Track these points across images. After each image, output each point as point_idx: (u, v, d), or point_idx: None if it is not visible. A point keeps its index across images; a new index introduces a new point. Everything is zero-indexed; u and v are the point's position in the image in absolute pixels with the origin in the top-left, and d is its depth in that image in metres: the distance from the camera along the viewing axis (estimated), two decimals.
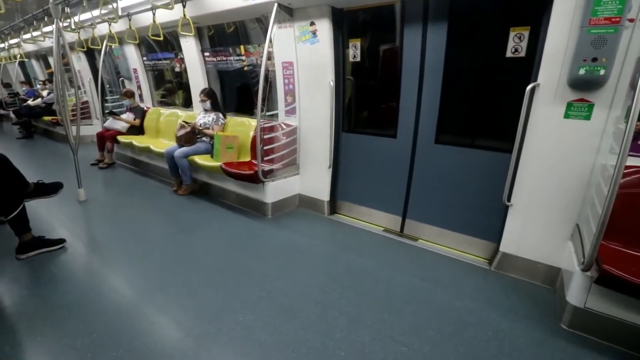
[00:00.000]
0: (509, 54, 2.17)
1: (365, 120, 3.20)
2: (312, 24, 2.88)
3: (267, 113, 3.39)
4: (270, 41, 2.79)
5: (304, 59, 3.06)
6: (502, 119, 2.38)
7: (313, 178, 3.32)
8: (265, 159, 3.12)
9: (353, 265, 2.37)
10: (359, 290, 2.08)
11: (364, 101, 3.19)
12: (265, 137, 3.12)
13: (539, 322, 1.81)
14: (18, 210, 2.19)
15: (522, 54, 2.13)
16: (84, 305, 1.87)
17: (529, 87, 1.96)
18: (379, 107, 3.08)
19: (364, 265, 2.38)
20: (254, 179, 3.04)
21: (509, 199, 2.17)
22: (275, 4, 2.75)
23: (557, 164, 1.99)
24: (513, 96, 2.09)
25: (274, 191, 3.18)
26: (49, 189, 2.51)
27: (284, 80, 3.27)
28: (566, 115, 1.91)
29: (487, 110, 2.45)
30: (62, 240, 2.46)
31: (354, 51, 2.94)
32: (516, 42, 2.13)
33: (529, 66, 2.08)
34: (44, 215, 3.02)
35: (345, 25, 2.91)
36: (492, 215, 2.39)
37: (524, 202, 2.14)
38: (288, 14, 2.95)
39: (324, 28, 2.83)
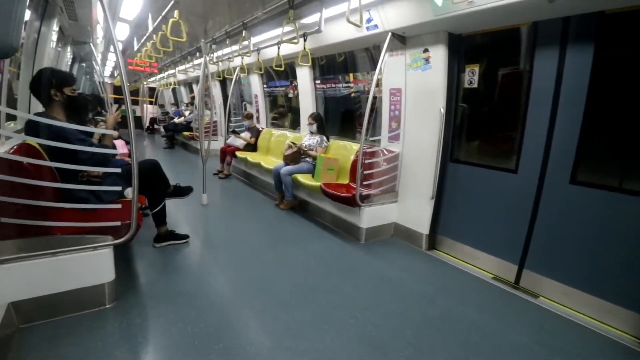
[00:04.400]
0: None
1: (477, 151, 2.91)
2: (426, 50, 2.83)
3: (370, 138, 3.42)
4: (380, 69, 2.84)
5: (413, 86, 3.01)
6: None
7: (412, 208, 3.15)
8: (364, 183, 3.11)
9: (454, 311, 2.11)
10: (460, 341, 1.82)
11: (478, 130, 2.92)
12: (366, 161, 3.13)
13: None
14: (160, 206, 2.67)
15: None
16: (197, 296, 2.11)
17: None
18: (495, 137, 2.78)
19: (467, 314, 2.09)
20: (351, 202, 3.05)
21: None
22: (389, 34, 2.81)
23: None
24: None
25: (369, 216, 3.12)
26: (183, 191, 3.00)
27: (390, 107, 3.26)
28: None
29: None
30: (187, 236, 2.88)
31: (471, 77, 2.75)
32: None
33: None
34: (173, 212, 3.61)
35: (462, 51, 2.77)
36: None
37: None
38: (401, 42, 2.97)
39: (439, 54, 2.74)
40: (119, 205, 1.94)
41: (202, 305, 2.01)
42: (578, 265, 2.16)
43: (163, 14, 3.41)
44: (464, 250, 2.85)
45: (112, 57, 8.28)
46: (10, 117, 2.86)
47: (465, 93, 2.84)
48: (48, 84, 2.07)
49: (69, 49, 5.15)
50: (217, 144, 6.71)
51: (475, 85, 2.73)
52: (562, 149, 2.21)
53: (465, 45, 2.75)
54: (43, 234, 1.72)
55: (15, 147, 1.81)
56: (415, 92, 3.00)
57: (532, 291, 2.38)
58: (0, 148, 1.74)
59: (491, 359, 1.70)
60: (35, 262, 1.69)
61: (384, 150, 3.26)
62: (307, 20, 3.38)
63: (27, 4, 1.44)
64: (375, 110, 3.55)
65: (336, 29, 3.28)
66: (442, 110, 2.77)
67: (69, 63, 5.65)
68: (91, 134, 2.41)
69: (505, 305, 2.22)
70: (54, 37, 3.76)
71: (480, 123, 2.89)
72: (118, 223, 1.88)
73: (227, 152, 5.57)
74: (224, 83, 7.74)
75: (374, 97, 3.11)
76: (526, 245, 2.42)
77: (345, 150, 3.86)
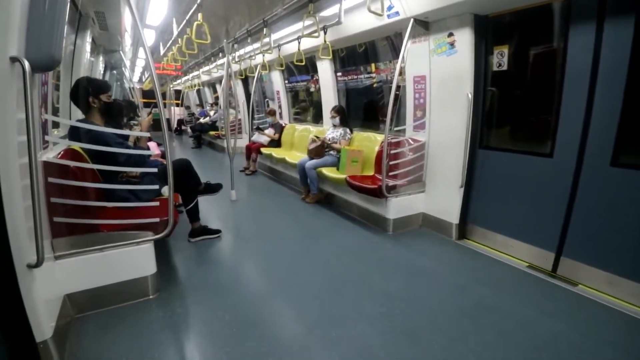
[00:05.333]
0: None
1: (509, 136, 2.80)
2: (451, 35, 2.74)
3: (395, 128, 3.37)
4: (403, 58, 2.79)
5: (438, 72, 2.93)
6: None
7: (440, 197, 3.09)
8: (390, 174, 3.09)
9: (488, 301, 2.06)
10: (496, 331, 1.79)
11: (509, 114, 2.80)
12: (392, 152, 3.10)
13: None
14: (194, 203, 2.80)
15: None
16: (232, 287, 2.21)
17: None
18: (527, 121, 2.66)
19: (502, 303, 2.04)
20: (377, 194, 3.04)
21: None
22: (412, 20, 2.74)
23: None
24: None
25: (396, 207, 3.10)
26: (214, 188, 3.12)
27: (414, 95, 3.20)
28: None
29: None
30: (219, 231, 3.00)
31: (499, 59, 2.64)
32: None
33: None
34: (205, 208, 3.75)
35: (489, 32, 2.66)
36: None
37: None
38: (423, 27, 2.90)
39: (465, 38, 2.65)
40: (156, 203, 2.06)
41: (237, 295, 2.10)
42: (622, 251, 2.04)
43: (187, 17, 3.52)
44: (497, 239, 2.77)
45: (139, 63, 8.64)
46: (54, 125, 3.07)
47: (494, 76, 2.72)
48: (86, 92, 2.21)
49: (101, 57, 5.44)
50: (242, 142, 6.86)
51: (505, 68, 2.62)
52: (602, 130, 2.08)
53: (492, 26, 2.63)
54: (91, 231, 1.86)
55: (61, 152, 1.96)
56: (441, 79, 2.92)
57: (571, 279, 2.28)
58: (49, 154, 1.89)
59: (528, 348, 1.66)
60: (85, 257, 1.84)
61: (410, 140, 3.21)
62: (327, 12, 3.36)
63: (66, 18, 1.55)
64: (399, 100, 3.50)
65: (356, 20, 3.24)
66: (470, 95, 2.68)
67: (102, 71, 5.97)
68: (127, 137, 2.56)
69: (541, 294, 2.15)
70: (88, 47, 3.99)
71: (511, 107, 2.77)
72: (157, 219, 1.99)
73: (252, 149, 5.69)
74: (246, 81, 7.87)
75: (398, 86, 3.07)
76: (564, 232, 2.31)
77: (369, 141, 3.84)
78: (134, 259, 1.98)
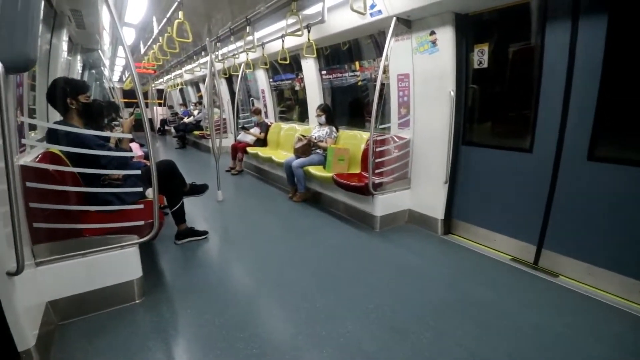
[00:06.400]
0: None
1: (490, 132, 2.88)
2: (432, 33, 2.79)
3: (380, 126, 3.41)
4: (387, 56, 2.82)
5: (421, 70, 2.98)
6: None
7: (426, 193, 3.15)
8: (376, 171, 3.12)
9: (473, 294, 2.12)
10: (481, 323, 1.84)
11: (490, 111, 2.88)
12: (377, 149, 3.13)
13: None
14: (179, 205, 2.76)
15: None
16: (220, 289, 2.19)
17: None
18: (507, 117, 2.74)
19: (487, 296, 2.10)
20: (364, 191, 3.07)
21: None
22: (394, 19, 2.77)
23: None
24: None
25: (383, 204, 3.14)
26: (199, 189, 3.08)
27: (398, 93, 3.24)
28: None
29: None
30: (206, 232, 2.97)
31: (480, 57, 2.70)
32: None
33: None
34: (191, 210, 3.70)
35: (470, 31, 2.71)
36: None
37: None
38: (406, 26, 2.93)
39: (446, 36, 2.70)
40: (141, 206, 2.02)
41: (225, 297, 2.09)
42: (600, 242, 2.13)
43: (168, 15, 3.44)
44: (481, 233, 2.84)
45: (119, 62, 8.41)
46: (31, 127, 2.96)
47: (475, 74, 2.79)
48: (63, 93, 2.14)
49: (78, 57, 5.26)
50: (228, 141, 6.79)
51: (485, 65, 2.68)
52: (578, 125, 2.16)
53: (472, 24, 2.69)
54: (73, 236, 1.81)
55: (39, 156, 1.90)
56: (424, 77, 2.96)
57: (552, 271, 2.37)
58: (27, 157, 1.82)
59: (513, 339, 1.72)
60: (68, 262, 1.79)
61: (395, 137, 3.25)
62: (310, 11, 3.36)
63: (41, 17, 1.50)
64: (384, 98, 3.53)
65: (339, 18, 3.25)
66: (452, 93, 2.74)
67: (80, 71, 5.78)
68: (108, 139, 2.49)
69: (524, 286, 2.22)
70: (65, 47, 3.86)
71: (492, 104, 2.85)
72: (141, 222, 1.96)
73: (238, 149, 5.64)
74: (230, 80, 7.78)
75: (382, 84, 3.10)
76: (544, 225, 2.40)
77: (355, 139, 3.86)
78: (118, 264, 1.94)
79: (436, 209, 3.05)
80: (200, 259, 2.62)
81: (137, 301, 2.01)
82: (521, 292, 2.15)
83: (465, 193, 2.96)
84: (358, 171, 3.62)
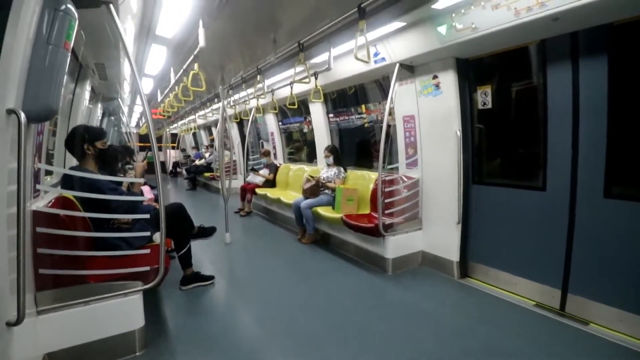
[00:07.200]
0: None
1: (500, 171, 2.85)
2: (435, 77, 2.89)
3: (388, 166, 3.42)
4: (392, 99, 2.91)
5: (426, 112, 3.05)
6: None
7: (438, 234, 3.05)
8: (386, 212, 3.07)
9: (496, 343, 1.96)
10: None
11: (498, 149, 2.88)
12: (386, 190, 3.11)
13: None
14: (186, 248, 2.71)
15: None
16: (226, 339, 2.07)
17: None
18: (517, 156, 2.72)
19: (511, 345, 1.93)
20: (374, 232, 2.99)
21: None
22: (397, 65, 2.90)
23: None
24: None
25: (394, 246, 3.04)
26: (207, 232, 3.05)
27: (404, 133, 3.29)
28: None
29: None
30: (212, 277, 2.87)
31: (484, 98, 2.76)
32: None
33: None
34: (198, 252, 3.64)
35: (471, 74, 2.81)
36: None
37: None
38: (409, 71, 3.05)
39: (448, 80, 2.79)
40: (147, 250, 1.99)
41: (231, 348, 1.97)
42: (629, 285, 1.99)
43: (184, 67, 3.68)
44: (500, 276, 2.69)
45: (137, 109, 8.88)
46: (47, 172, 3.06)
47: (480, 114, 2.84)
48: (81, 140, 2.23)
49: (99, 104, 5.58)
50: (237, 183, 6.86)
51: (490, 106, 2.73)
52: (591, 162, 2.12)
53: (474, 68, 2.79)
54: (78, 283, 1.77)
55: (52, 201, 1.92)
56: (429, 118, 3.02)
57: (581, 317, 2.19)
58: (40, 202, 1.85)
59: None
60: (69, 311, 1.72)
61: (403, 177, 3.24)
62: (317, 60, 3.55)
63: (66, 71, 1.60)
64: (391, 138, 3.58)
65: (345, 65, 3.42)
66: (458, 132, 2.76)
67: (100, 117, 6.09)
68: (121, 183, 2.54)
69: (551, 335, 2.05)
70: (87, 96, 4.11)
71: (499, 142, 2.86)
72: (147, 268, 1.91)
73: (247, 190, 5.68)
74: (240, 124, 8.07)
75: (388, 126, 3.16)
76: (567, 267, 2.26)
77: (363, 179, 3.86)
78: (121, 312, 1.86)
79: (450, 250, 2.93)
80: (206, 306, 2.51)
81: (137, 353, 1.90)
82: (548, 340, 1.98)
83: (480, 234, 2.86)
84: (368, 212, 3.57)
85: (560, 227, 2.28)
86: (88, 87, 4.03)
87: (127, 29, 2.86)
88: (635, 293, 1.96)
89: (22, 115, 1.28)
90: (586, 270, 2.19)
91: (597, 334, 2.02)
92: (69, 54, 1.55)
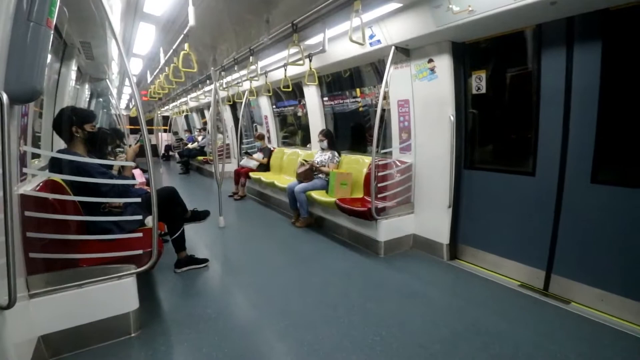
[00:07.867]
0: None
1: (492, 156, 2.87)
2: (431, 61, 2.85)
3: (382, 151, 3.42)
4: (387, 83, 2.87)
5: (420, 96, 3.02)
6: None
7: (430, 218, 3.10)
8: (379, 195, 3.09)
9: (483, 323, 2.03)
10: (493, 354, 1.75)
11: (490, 135, 2.89)
12: (379, 174, 3.12)
13: None
14: (180, 232, 2.72)
15: None
16: (220, 320, 2.11)
17: None
18: (508, 141, 2.74)
19: (497, 325, 2.01)
20: (367, 216, 3.02)
21: None
22: (393, 47, 2.85)
23: None
24: None
25: (387, 229, 3.09)
26: (201, 216, 3.05)
27: (399, 118, 3.27)
28: None
29: None
30: (206, 260, 2.90)
31: (478, 83, 2.75)
32: None
33: None
34: (192, 236, 3.65)
35: (467, 58, 2.78)
36: None
37: None
38: (405, 54, 3.01)
39: (444, 64, 2.76)
40: (140, 234, 1.99)
41: (225, 329, 2.01)
42: (611, 267, 2.06)
43: (174, 47, 3.56)
44: (488, 258, 2.77)
45: (126, 90, 8.65)
46: (34, 155, 3.00)
47: (474, 99, 2.83)
48: (69, 122, 2.17)
49: (86, 86, 5.42)
50: (231, 166, 6.82)
51: (484, 91, 2.72)
52: (580, 148, 2.15)
53: (469, 52, 2.76)
54: (70, 266, 1.77)
55: (41, 184, 1.89)
56: (423, 102, 3.00)
57: (563, 297, 2.27)
58: (27, 186, 1.82)
59: None
60: (62, 294, 1.73)
61: (397, 162, 3.25)
62: (311, 41, 3.47)
63: (49, 50, 1.54)
64: (385, 123, 3.57)
65: (340, 47, 3.35)
66: (452, 117, 2.76)
67: (87, 99, 5.93)
68: (111, 166, 2.50)
69: (535, 314, 2.13)
70: (73, 76, 3.98)
71: (492, 128, 2.86)
72: (140, 251, 1.92)
73: (241, 174, 5.65)
74: (234, 107, 7.95)
75: (382, 110, 3.13)
76: (552, 250, 2.33)
77: (357, 164, 3.87)
78: (115, 295, 1.88)
79: (441, 233, 2.99)
80: (200, 289, 2.54)
81: (132, 335, 1.93)
82: (532, 320, 2.06)
83: (470, 217, 2.91)
84: (361, 196, 3.60)
85: (547, 211, 2.33)
86: (74, 67, 3.90)
87: (113, 5, 2.74)
88: (616, 274, 2.04)
89: (4, 97, 1.24)
90: (570, 253, 2.26)
91: (577, 312, 2.11)
92: (52, 31, 1.48)
